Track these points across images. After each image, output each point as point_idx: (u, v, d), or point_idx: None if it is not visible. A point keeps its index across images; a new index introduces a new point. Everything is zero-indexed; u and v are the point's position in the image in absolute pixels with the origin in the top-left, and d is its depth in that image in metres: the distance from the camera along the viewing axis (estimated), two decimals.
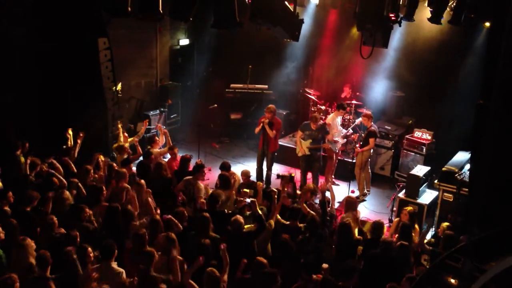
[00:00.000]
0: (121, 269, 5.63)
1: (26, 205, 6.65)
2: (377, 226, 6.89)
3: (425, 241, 6.98)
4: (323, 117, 11.48)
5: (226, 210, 7.49)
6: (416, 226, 7.48)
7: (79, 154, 8.74)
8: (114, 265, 5.65)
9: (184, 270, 5.66)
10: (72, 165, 8.11)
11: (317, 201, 8.07)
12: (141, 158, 9.04)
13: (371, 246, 6.56)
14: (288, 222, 7.10)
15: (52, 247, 5.82)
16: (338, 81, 13.07)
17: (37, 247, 5.75)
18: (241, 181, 8.57)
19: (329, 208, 7.65)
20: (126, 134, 9.76)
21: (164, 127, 10.98)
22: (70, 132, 8.75)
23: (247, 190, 8.27)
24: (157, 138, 9.63)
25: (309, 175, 10.34)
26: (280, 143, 11.12)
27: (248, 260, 5.86)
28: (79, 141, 8.76)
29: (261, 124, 10.03)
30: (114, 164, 8.39)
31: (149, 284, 5.37)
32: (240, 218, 6.55)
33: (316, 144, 9.94)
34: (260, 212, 6.85)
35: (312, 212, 7.25)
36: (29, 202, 6.67)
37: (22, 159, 8.03)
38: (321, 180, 10.18)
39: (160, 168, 8.28)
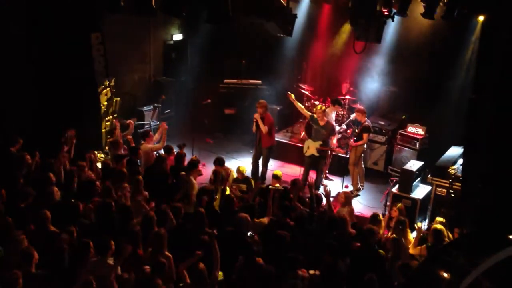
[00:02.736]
0: (115, 265, 5.62)
1: (21, 202, 6.59)
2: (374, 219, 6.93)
3: (421, 234, 6.98)
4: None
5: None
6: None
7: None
8: (110, 261, 5.64)
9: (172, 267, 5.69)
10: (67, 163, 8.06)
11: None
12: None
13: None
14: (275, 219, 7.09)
15: (46, 242, 5.80)
16: (332, 76, 13.08)
17: (30, 243, 5.72)
18: (235, 176, 8.59)
19: (323, 203, 7.66)
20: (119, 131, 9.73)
21: (158, 122, 10.94)
22: (69, 133, 8.71)
23: (241, 185, 8.31)
24: (151, 133, 9.63)
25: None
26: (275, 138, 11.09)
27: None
28: (73, 141, 8.71)
29: (255, 121, 10.04)
30: (110, 163, 8.33)
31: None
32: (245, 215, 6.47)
33: (325, 145, 9.95)
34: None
35: (300, 207, 7.23)
36: (24, 199, 6.63)
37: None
38: (313, 175, 10.18)
39: (162, 162, 8.34)
